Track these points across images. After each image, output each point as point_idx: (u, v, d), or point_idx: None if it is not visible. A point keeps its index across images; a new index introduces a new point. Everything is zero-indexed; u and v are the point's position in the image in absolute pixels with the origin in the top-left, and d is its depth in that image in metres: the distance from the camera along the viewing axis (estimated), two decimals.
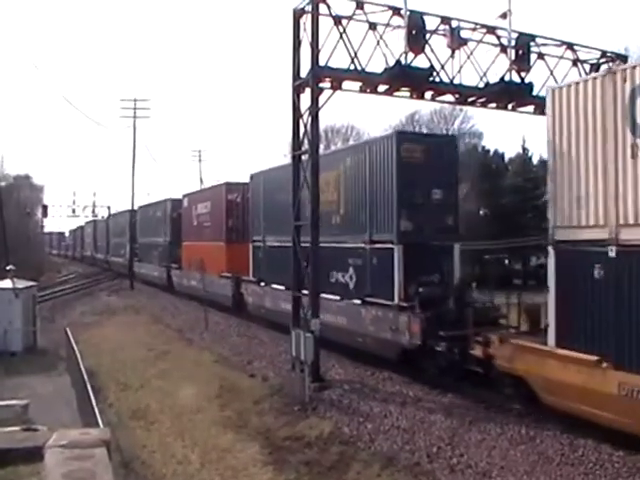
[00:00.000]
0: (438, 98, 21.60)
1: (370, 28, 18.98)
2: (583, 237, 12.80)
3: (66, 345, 26.21)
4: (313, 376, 17.99)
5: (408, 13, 18.64)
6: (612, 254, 12.05)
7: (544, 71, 21.56)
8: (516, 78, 20.79)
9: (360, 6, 18.82)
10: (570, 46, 21.82)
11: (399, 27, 18.88)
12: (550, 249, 13.55)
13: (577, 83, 13.37)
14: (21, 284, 28.82)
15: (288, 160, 26.26)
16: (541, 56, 21.46)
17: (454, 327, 16.47)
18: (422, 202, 17.88)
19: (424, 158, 17.24)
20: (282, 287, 25.05)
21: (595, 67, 21.88)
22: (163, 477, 14.26)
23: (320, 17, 18.52)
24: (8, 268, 28.37)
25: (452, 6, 20.70)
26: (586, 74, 20.98)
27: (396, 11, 18.84)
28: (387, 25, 19.05)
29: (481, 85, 20.50)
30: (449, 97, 21.46)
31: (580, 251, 12.75)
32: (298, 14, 19.07)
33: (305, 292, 19.50)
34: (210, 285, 34.50)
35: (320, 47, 18.51)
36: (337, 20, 18.63)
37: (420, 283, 17.84)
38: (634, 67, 12.15)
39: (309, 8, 18.57)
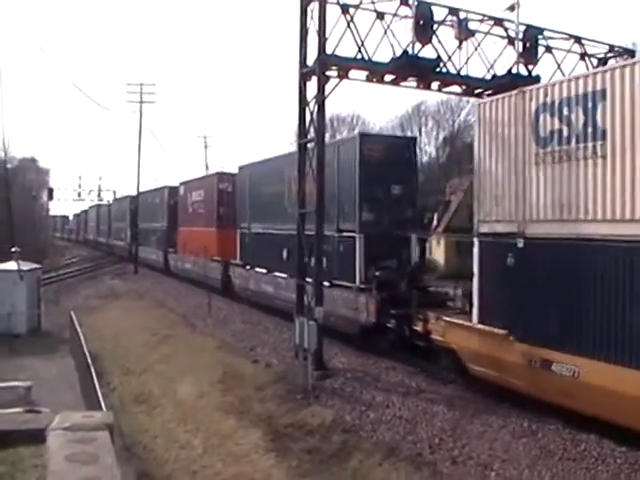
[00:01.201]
0: (445, 89, 21.60)
1: (377, 17, 18.94)
2: (499, 230, 14.90)
3: (70, 328, 26.34)
4: (316, 364, 18.06)
5: (416, 3, 18.63)
6: (520, 245, 14.17)
7: (551, 64, 21.54)
8: (523, 71, 20.78)
9: None
10: (578, 40, 21.76)
11: (407, 17, 18.85)
12: (475, 240, 15.61)
13: (497, 99, 15.57)
14: (26, 266, 28.92)
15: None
16: (549, 49, 21.42)
17: (404, 307, 18.41)
18: (382, 196, 19.61)
19: (384, 157, 18.78)
20: (264, 270, 28.19)
21: (603, 61, 21.82)
22: (165, 462, 14.35)
23: (327, 5, 18.46)
24: (13, 250, 28.46)
25: None
26: (594, 68, 20.94)
27: (404, 1, 18.81)
28: (395, 15, 19.00)
29: (488, 77, 20.48)
30: (456, 88, 21.44)
31: (497, 242, 14.94)
32: (306, 2, 19.00)
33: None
34: (202, 268, 37.05)
35: (327, 36, 18.48)
36: (344, 9, 18.59)
37: (378, 268, 19.70)
38: (538, 89, 14.37)
39: None
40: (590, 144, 12.63)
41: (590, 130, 12.64)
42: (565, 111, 13.23)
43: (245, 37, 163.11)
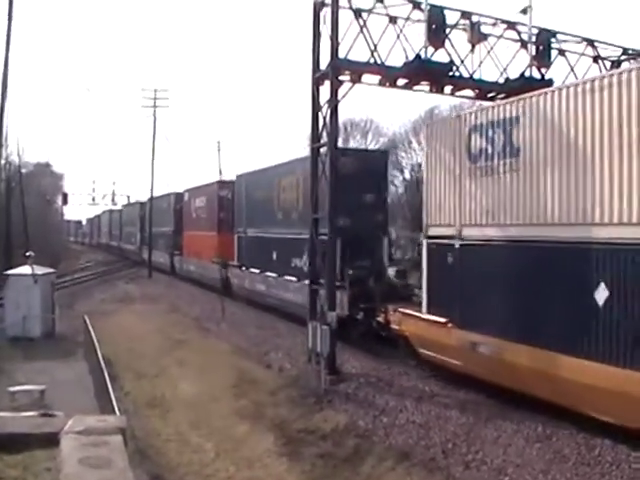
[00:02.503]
0: (458, 93, 21.53)
1: (390, 22, 18.97)
2: (442, 233, 17.18)
3: (84, 332, 26.44)
4: (329, 369, 18.06)
5: (428, 7, 18.61)
6: (457, 246, 16.48)
7: (565, 67, 21.49)
8: (536, 74, 20.73)
9: None
10: (591, 42, 21.70)
11: (419, 21, 18.86)
12: (424, 241, 17.98)
13: (440, 122, 18.87)
14: (40, 270, 29.06)
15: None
16: (562, 52, 21.38)
17: (371, 301, 20.30)
18: (356, 204, 20.85)
19: (357, 169, 19.98)
20: (257, 270, 30.91)
21: (616, 64, 21.75)
22: (178, 465, 14.38)
23: (340, 10, 18.50)
24: (28, 254, 28.61)
25: (472, 1, 20.62)
26: (607, 70, 20.86)
27: (416, 5, 18.84)
28: (407, 19, 19.04)
29: (501, 80, 20.46)
30: (469, 92, 21.38)
31: (440, 243, 17.25)
32: (318, 7, 19.07)
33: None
34: (204, 269, 41.14)
35: (340, 40, 18.51)
36: (357, 13, 18.63)
37: (353, 267, 21.39)
38: (471, 113, 16.91)
39: (329, 1, 18.55)
40: (508, 160, 14.94)
41: (508, 149, 14.94)
42: (490, 133, 15.61)
43: (258, 42, 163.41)
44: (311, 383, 17.77)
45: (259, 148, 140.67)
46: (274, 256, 28.70)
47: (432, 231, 17.69)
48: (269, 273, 29.37)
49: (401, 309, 19.09)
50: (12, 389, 17.64)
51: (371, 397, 16.68)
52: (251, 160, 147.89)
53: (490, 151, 15.52)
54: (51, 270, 31.87)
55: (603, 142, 12.44)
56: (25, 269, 28.49)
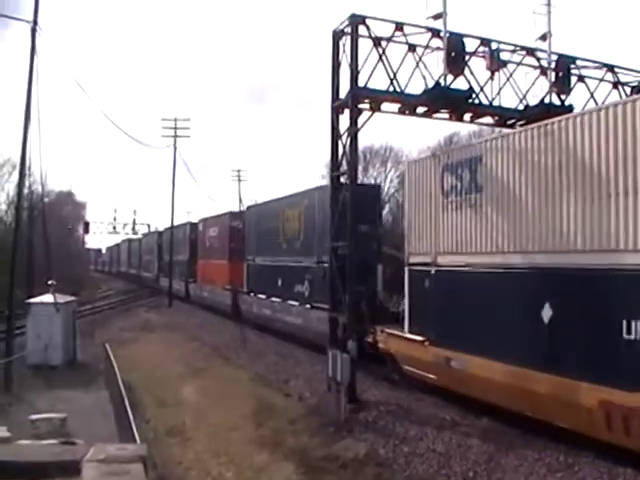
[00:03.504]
0: (477, 120, 21.53)
1: (409, 50, 19.04)
2: (421, 260, 18.91)
3: (105, 360, 26.49)
4: (349, 397, 17.93)
5: (447, 35, 18.66)
6: (432, 272, 18.25)
7: (584, 93, 21.44)
8: (556, 100, 20.71)
9: (399, 28, 18.89)
10: (611, 68, 21.66)
11: (438, 49, 18.90)
12: (406, 269, 19.63)
13: (420, 160, 20.74)
14: (62, 299, 29.21)
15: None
16: (581, 78, 21.34)
17: (363, 323, 21.08)
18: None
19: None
20: (264, 296, 33.21)
21: (636, 89, 21.69)
22: None
23: (360, 38, 18.61)
24: (49, 283, 28.77)
25: (492, 28, 20.73)
26: (627, 96, 20.82)
27: (435, 33, 18.88)
28: (426, 47, 19.08)
29: (521, 107, 20.43)
30: (488, 119, 21.36)
31: (419, 270, 18.91)
32: (338, 36, 19.15)
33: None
34: (216, 295, 44.13)
35: (359, 68, 18.57)
36: (376, 41, 18.71)
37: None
38: (444, 153, 19.11)
39: (349, 30, 18.67)
40: (473, 196, 16.73)
41: (473, 185, 16.72)
42: (459, 171, 17.34)
43: (278, 70, 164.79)
44: (331, 411, 17.66)
45: (280, 176, 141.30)
46: (279, 282, 31.01)
47: (412, 259, 19.45)
48: (274, 298, 31.59)
49: (387, 329, 20.51)
50: (33, 417, 17.63)
51: (391, 425, 16.53)
52: (270, 188, 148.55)
53: (459, 187, 17.36)
54: (73, 298, 32.01)
55: (540, 184, 14.48)
56: (47, 297, 28.63)
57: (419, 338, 18.44)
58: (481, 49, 19.73)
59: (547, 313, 13.87)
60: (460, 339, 16.69)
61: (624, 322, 11.91)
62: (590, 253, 12.99)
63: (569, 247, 13.56)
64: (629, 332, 11.84)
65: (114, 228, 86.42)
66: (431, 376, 18.11)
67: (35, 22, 26.49)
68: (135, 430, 15.47)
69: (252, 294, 35.85)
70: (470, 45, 19.41)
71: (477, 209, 16.57)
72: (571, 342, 13.19)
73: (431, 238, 18.50)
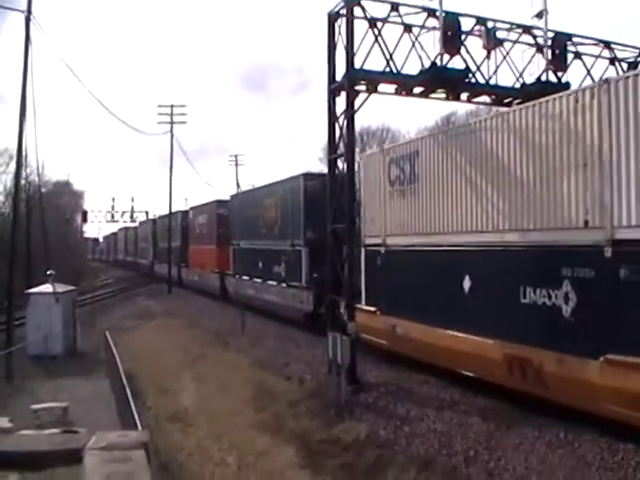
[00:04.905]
0: (474, 99, 21.49)
1: (405, 30, 18.91)
2: (374, 242, 21.34)
3: (105, 349, 26.51)
4: (349, 379, 17.94)
5: (443, 15, 18.50)
6: (382, 251, 20.73)
7: (581, 70, 21.36)
8: (553, 78, 20.60)
9: (395, 8, 18.76)
10: (607, 45, 21.57)
11: (434, 29, 18.76)
12: (362, 249, 21.89)
13: (372, 153, 24.16)
14: (61, 288, 29.20)
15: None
16: (578, 55, 21.24)
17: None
18: (321, 219, 22.49)
19: (323, 191, 21.93)
20: (247, 277, 36.45)
21: (633, 65, 21.59)
22: (201, 479, 14.32)
23: (355, 20, 18.47)
24: (48, 273, 28.74)
25: (487, 6, 20.63)
26: (624, 72, 20.70)
27: (431, 13, 18.76)
28: (422, 27, 18.97)
29: (517, 86, 20.36)
30: (485, 98, 21.31)
31: (372, 250, 21.37)
32: (333, 18, 18.98)
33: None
34: (206, 278, 47.72)
35: (355, 50, 18.42)
36: (372, 23, 18.59)
37: (319, 272, 25.33)
38: (390, 148, 21.58)
39: (344, 12, 18.49)
40: (412, 185, 19.23)
41: (412, 176, 19.22)
42: (401, 163, 19.84)
43: (274, 54, 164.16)
44: (331, 394, 17.67)
45: (278, 160, 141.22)
46: (260, 265, 34.16)
47: (367, 240, 21.88)
48: (256, 279, 34.77)
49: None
50: (35, 407, 17.64)
51: (392, 406, 16.54)
52: (269, 172, 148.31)
53: (402, 178, 19.82)
54: (72, 288, 32.00)
55: (458, 179, 17.11)
56: (46, 287, 28.63)
57: (372, 309, 20.92)
58: (477, 28, 19.63)
59: (467, 284, 16.49)
60: (403, 308, 19.18)
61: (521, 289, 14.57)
62: (491, 233, 15.75)
63: (477, 229, 16.35)
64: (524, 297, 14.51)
65: (112, 216, 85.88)
66: (382, 341, 20.54)
67: (29, 12, 26.37)
68: (136, 417, 15.47)
69: (237, 276, 38.83)
70: (466, 24, 19.30)
71: (415, 196, 19.01)
72: (485, 306, 15.70)
73: (381, 222, 20.89)
